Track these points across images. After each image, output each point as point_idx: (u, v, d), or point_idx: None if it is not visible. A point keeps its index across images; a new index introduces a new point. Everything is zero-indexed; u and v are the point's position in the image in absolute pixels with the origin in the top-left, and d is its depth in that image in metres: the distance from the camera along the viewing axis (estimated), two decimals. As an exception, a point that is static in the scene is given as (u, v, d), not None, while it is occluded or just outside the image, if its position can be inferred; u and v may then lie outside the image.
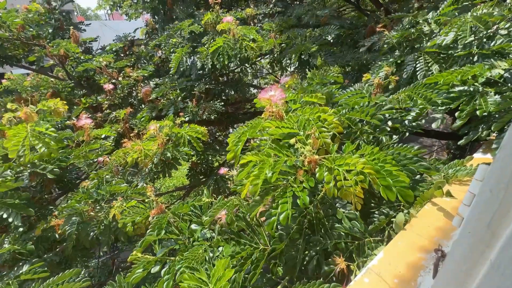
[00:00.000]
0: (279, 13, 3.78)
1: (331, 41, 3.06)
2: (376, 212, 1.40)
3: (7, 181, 1.86)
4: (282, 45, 3.04)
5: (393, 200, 1.00)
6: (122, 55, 4.26)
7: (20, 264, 1.71)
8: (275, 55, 3.06)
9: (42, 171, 2.05)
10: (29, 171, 2.06)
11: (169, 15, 4.35)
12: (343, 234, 1.29)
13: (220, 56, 2.77)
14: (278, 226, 1.19)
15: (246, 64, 4.18)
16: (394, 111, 1.67)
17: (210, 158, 3.64)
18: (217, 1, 3.18)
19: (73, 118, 3.26)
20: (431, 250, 0.94)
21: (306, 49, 2.84)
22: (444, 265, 0.73)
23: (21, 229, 1.84)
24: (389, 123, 1.74)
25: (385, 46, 2.72)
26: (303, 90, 2.04)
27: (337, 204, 1.42)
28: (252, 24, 3.52)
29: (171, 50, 3.36)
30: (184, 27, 3.40)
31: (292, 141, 1.22)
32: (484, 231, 0.45)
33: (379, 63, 2.50)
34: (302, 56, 2.79)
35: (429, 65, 2.25)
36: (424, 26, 2.67)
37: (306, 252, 1.32)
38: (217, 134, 5.44)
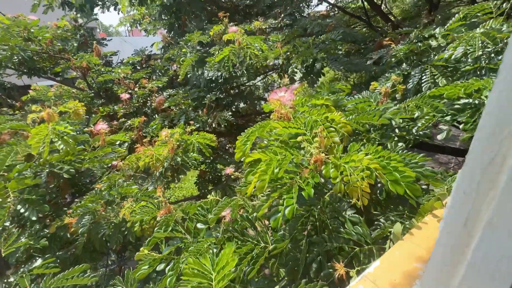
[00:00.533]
0: (287, 26, 3.94)
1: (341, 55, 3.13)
2: (382, 218, 1.39)
3: (26, 178, 1.96)
4: (287, 53, 3.12)
5: (402, 194, 1.00)
6: (139, 68, 4.51)
7: (34, 260, 1.77)
8: (282, 64, 3.15)
9: (59, 171, 2.15)
10: (47, 170, 2.16)
11: (182, 28, 4.62)
12: (347, 238, 1.28)
13: (226, 64, 2.89)
14: (282, 223, 1.19)
15: (258, 78, 4.32)
16: (401, 120, 1.69)
17: (218, 167, 3.69)
18: (225, 15, 3.38)
19: (91, 126, 3.42)
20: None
21: (309, 54, 2.90)
22: (427, 266, 0.73)
23: (37, 226, 1.91)
24: (397, 131, 1.76)
25: (392, 59, 2.78)
26: (311, 96, 2.10)
27: (340, 207, 1.41)
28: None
29: (181, 59, 3.53)
30: (193, 38, 3.60)
31: (299, 138, 1.25)
32: (461, 231, 0.47)
33: (387, 74, 2.55)
34: (305, 63, 2.85)
35: (435, 77, 2.27)
36: (432, 41, 2.72)
37: (308, 254, 1.30)
38: (228, 146, 5.52)
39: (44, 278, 1.53)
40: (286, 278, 1.32)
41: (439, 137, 1.83)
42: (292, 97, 1.50)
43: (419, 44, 2.71)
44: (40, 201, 1.91)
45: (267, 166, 1.18)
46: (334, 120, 1.43)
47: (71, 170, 2.19)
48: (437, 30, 2.75)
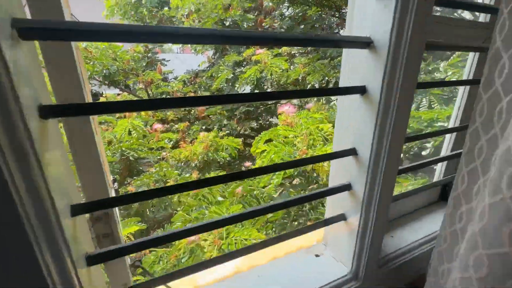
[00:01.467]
0: (314, 50, 4.53)
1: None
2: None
3: (108, 156, 2.81)
4: (306, 72, 3.71)
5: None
6: (188, 83, 5.51)
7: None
8: (301, 81, 3.74)
9: (127, 155, 2.98)
10: (119, 153, 3.01)
11: (223, 52, 5.58)
12: (322, 212, 1.77)
13: (251, 78, 3.58)
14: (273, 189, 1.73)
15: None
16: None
17: (242, 168, 4.32)
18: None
19: (148, 126, 4.36)
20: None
21: (324, 73, 3.46)
22: None
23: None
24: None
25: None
26: (318, 109, 2.65)
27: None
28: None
29: (218, 75, 4.36)
30: (229, 59, 4.43)
31: (290, 138, 1.82)
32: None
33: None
34: (320, 80, 3.40)
35: (431, 103, 2.66)
36: (436, 73, 3.10)
37: (294, 221, 1.82)
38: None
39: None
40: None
41: (424, 153, 2.24)
42: (293, 110, 2.08)
43: (424, 76, 3.10)
44: (115, 172, 2.73)
45: (267, 154, 1.77)
46: (323, 129, 1.97)
47: (135, 155, 3.01)
48: (442, 64, 3.12)
